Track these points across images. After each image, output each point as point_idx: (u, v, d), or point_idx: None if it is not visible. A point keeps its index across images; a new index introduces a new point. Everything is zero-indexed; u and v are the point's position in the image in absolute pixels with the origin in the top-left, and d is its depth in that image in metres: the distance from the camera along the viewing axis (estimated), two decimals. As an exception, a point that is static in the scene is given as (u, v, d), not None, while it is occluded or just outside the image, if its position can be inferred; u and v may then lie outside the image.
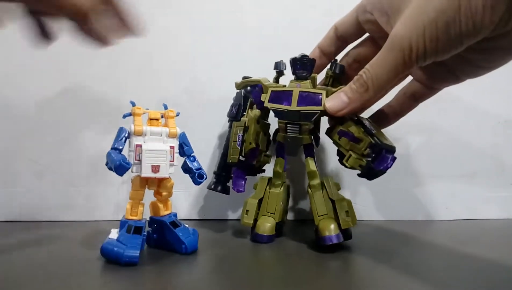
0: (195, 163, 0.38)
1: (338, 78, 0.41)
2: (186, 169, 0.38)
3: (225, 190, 0.46)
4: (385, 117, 0.42)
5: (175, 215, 0.39)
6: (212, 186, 0.46)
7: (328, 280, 0.32)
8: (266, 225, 0.41)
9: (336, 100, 0.36)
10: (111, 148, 0.35)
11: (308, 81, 0.41)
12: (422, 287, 0.30)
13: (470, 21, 0.27)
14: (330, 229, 0.38)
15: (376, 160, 0.36)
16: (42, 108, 0.48)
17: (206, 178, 0.38)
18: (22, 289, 0.28)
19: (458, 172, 0.56)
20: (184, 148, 0.38)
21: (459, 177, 0.55)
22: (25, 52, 0.47)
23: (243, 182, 0.43)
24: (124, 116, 0.37)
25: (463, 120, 0.56)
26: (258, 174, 0.46)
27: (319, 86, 0.42)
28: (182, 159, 0.38)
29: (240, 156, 0.42)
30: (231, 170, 0.45)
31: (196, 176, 0.37)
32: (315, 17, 0.52)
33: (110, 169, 0.35)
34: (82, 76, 0.49)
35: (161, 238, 0.38)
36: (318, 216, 0.40)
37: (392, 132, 0.52)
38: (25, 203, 0.48)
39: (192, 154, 0.38)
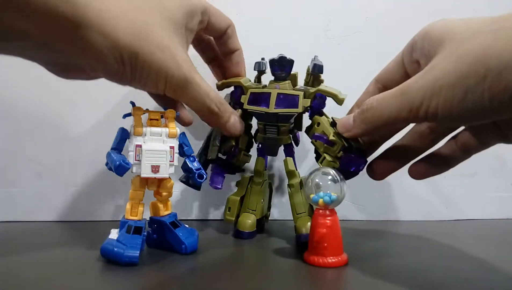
0: (195, 163, 0.38)
1: (318, 77, 0.41)
2: (186, 169, 0.38)
3: (196, 186, 0.46)
4: (434, 165, 0.37)
5: (175, 215, 0.39)
6: (184, 179, 0.45)
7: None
8: (247, 221, 0.42)
9: (345, 121, 0.36)
10: (111, 149, 0.35)
11: (287, 81, 0.41)
12: (420, 287, 0.30)
13: (495, 99, 0.24)
14: (306, 227, 0.39)
15: (347, 162, 0.37)
16: (42, 108, 0.48)
17: (206, 178, 0.38)
18: (21, 289, 0.28)
19: (458, 172, 0.55)
20: (184, 148, 0.38)
21: (459, 177, 0.55)
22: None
23: (220, 179, 0.44)
24: (124, 116, 0.37)
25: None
26: (237, 173, 0.46)
27: (297, 87, 0.41)
28: (182, 159, 0.38)
29: (220, 154, 0.43)
30: (206, 167, 0.45)
31: (196, 176, 0.37)
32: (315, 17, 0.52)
33: (110, 169, 0.35)
34: (82, 76, 0.49)
35: (161, 238, 0.38)
36: (296, 214, 0.41)
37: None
38: (25, 203, 0.48)
39: (192, 154, 0.38)
